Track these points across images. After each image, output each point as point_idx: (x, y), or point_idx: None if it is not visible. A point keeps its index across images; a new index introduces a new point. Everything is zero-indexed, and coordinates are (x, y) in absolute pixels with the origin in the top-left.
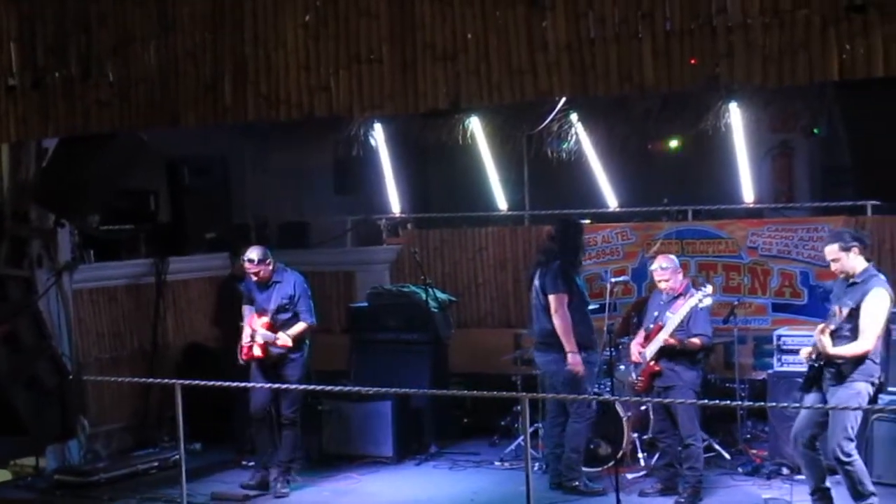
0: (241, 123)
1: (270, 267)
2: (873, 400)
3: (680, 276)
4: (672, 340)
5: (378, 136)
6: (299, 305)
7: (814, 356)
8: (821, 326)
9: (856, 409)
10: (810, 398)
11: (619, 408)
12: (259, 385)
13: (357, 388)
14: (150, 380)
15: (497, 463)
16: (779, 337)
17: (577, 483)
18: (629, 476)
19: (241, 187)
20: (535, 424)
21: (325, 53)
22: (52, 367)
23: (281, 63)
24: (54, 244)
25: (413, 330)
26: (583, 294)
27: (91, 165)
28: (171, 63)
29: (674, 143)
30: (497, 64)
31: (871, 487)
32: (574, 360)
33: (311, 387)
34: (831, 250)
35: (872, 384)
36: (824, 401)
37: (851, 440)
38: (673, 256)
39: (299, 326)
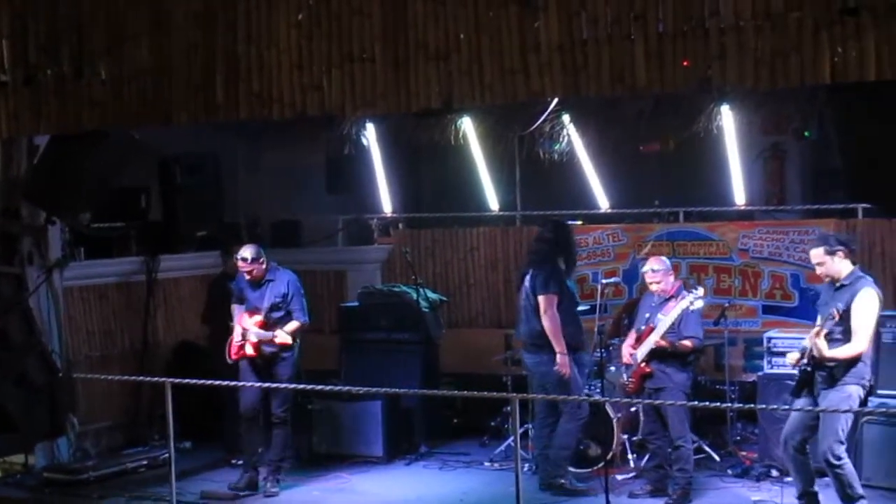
0: (233, 122)
1: (264, 266)
2: (863, 402)
3: (671, 279)
4: (663, 342)
5: (370, 135)
6: (293, 304)
7: (804, 360)
8: (815, 330)
9: (845, 411)
10: (801, 402)
11: (609, 409)
12: (249, 384)
13: (347, 388)
14: (141, 378)
15: (487, 463)
16: (769, 339)
17: (563, 481)
18: (619, 477)
19: (233, 186)
20: (525, 425)
21: (318, 52)
22: (42, 364)
23: (273, 62)
24: (45, 241)
25: (404, 330)
26: (573, 295)
27: (83, 163)
28: (164, 61)
29: (665, 145)
30: (489, 64)
31: (861, 491)
32: (562, 361)
33: (302, 386)
34: (816, 254)
35: (863, 387)
36: (815, 404)
37: (842, 443)
38: (664, 258)
39: (293, 325)
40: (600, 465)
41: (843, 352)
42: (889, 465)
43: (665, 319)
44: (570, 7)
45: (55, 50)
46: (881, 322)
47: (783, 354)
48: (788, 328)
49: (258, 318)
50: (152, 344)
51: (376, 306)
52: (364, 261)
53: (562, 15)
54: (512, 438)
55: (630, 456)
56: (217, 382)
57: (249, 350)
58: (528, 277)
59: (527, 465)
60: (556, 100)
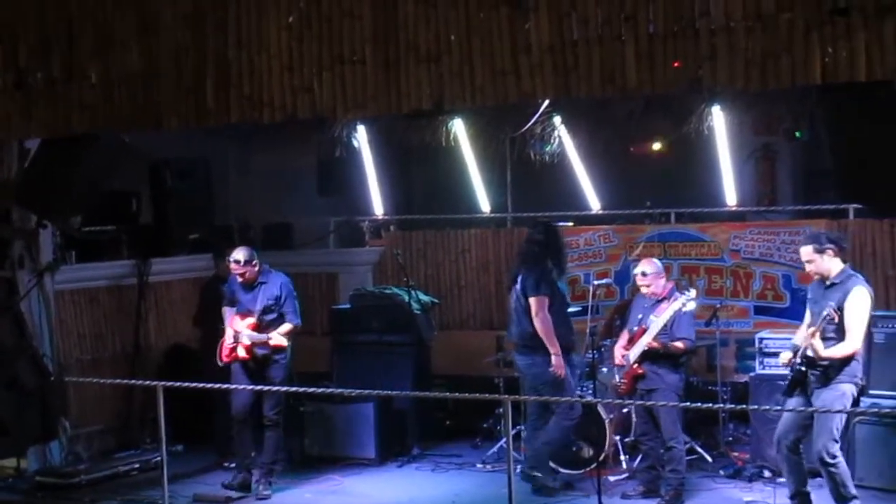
0: (224, 125)
1: (256, 268)
2: (856, 401)
3: (662, 281)
4: (655, 344)
5: (361, 137)
6: (285, 306)
7: (797, 360)
8: (811, 330)
9: (838, 412)
10: (794, 401)
11: (601, 410)
12: (241, 387)
13: (339, 390)
14: (132, 381)
15: (479, 465)
16: (761, 340)
17: (538, 474)
18: (611, 478)
19: (224, 189)
20: (518, 426)
21: (309, 55)
22: (34, 368)
23: (264, 65)
24: (36, 245)
25: (396, 332)
26: (563, 297)
27: (73, 167)
28: (154, 65)
29: (657, 146)
30: (480, 65)
31: (854, 491)
32: (557, 362)
33: (294, 388)
34: (806, 252)
35: (856, 385)
36: (808, 403)
37: (836, 441)
38: (656, 260)
39: (286, 327)
40: (593, 466)
41: (838, 351)
42: (881, 466)
43: (657, 321)
44: (561, 8)
45: (45, 54)
46: (873, 322)
47: (775, 355)
48: (780, 329)
49: (251, 320)
50: (144, 347)
51: (368, 308)
52: (355, 263)
53: (552, 16)
54: (504, 440)
55: (622, 457)
56: (209, 385)
57: (242, 352)
58: (519, 279)
59: (519, 466)
60: (546, 101)
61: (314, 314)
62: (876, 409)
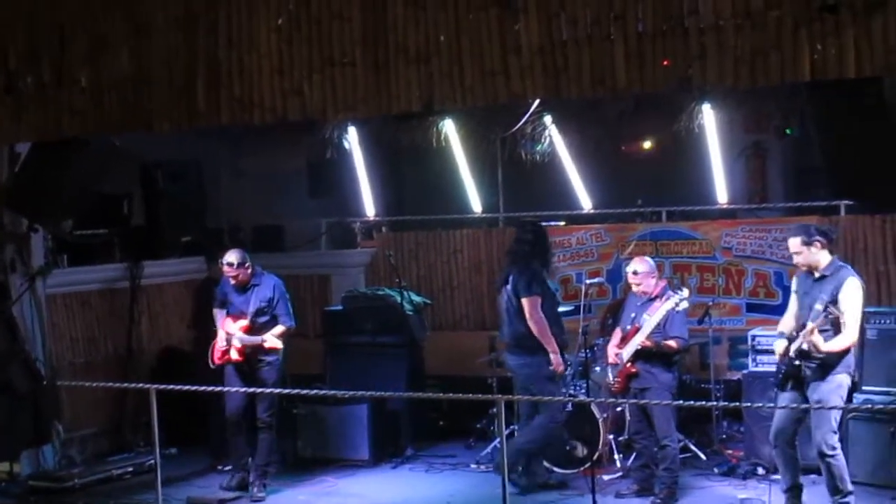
0: (214, 127)
1: (249, 271)
2: (849, 393)
3: (653, 281)
4: (648, 343)
5: (352, 138)
6: (278, 308)
7: (791, 355)
8: (810, 326)
9: (833, 408)
10: (787, 395)
11: (595, 409)
12: (234, 389)
13: (332, 392)
14: (125, 384)
15: (473, 465)
16: (753, 337)
17: (512, 475)
18: (605, 477)
19: (215, 191)
20: (511, 426)
21: (299, 56)
22: (26, 372)
23: (254, 67)
24: (28, 249)
25: (388, 333)
26: (554, 296)
27: (64, 170)
28: (145, 68)
29: (647, 144)
30: (470, 66)
31: (850, 485)
32: (557, 359)
33: (287, 391)
34: (794, 244)
35: (850, 375)
36: (802, 397)
37: (835, 433)
38: (648, 259)
39: (279, 329)
40: (587, 465)
41: (838, 344)
42: (875, 462)
43: (650, 320)
44: (550, 8)
45: (35, 58)
46: (866, 318)
47: (768, 352)
48: (773, 326)
49: (244, 322)
50: (136, 350)
51: (360, 310)
52: (347, 264)
53: (541, 16)
54: (498, 440)
55: (616, 456)
56: (202, 388)
57: (234, 355)
58: (510, 279)
59: (521, 462)
60: (537, 101)
61: (306, 316)
62: (869, 405)
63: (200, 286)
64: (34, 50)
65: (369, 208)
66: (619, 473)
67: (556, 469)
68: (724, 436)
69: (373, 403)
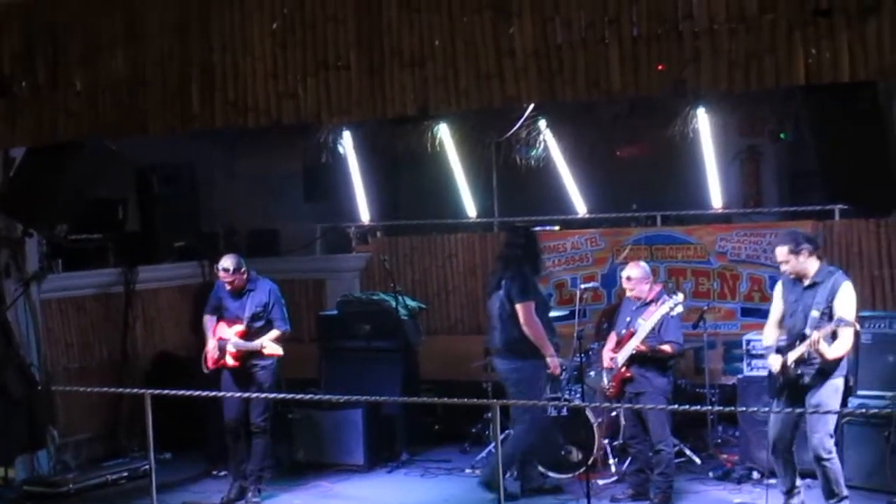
0: (209, 131)
1: (245, 276)
2: (844, 399)
3: (646, 286)
4: (643, 347)
5: (347, 143)
6: (273, 313)
7: (791, 366)
8: (816, 336)
9: (826, 412)
10: (784, 403)
11: (590, 414)
12: (229, 394)
13: (327, 397)
14: (120, 389)
15: (468, 470)
16: (748, 342)
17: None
18: (600, 482)
19: (209, 195)
20: (507, 431)
21: (293, 60)
22: (21, 377)
23: (248, 70)
24: (22, 254)
25: (383, 337)
26: (545, 301)
27: (59, 175)
28: (139, 71)
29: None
30: (465, 70)
31: (846, 491)
32: (553, 363)
33: (282, 396)
34: (781, 252)
35: (845, 377)
36: (798, 403)
37: (832, 436)
38: (643, 264)
39: (274, 333)
40: (582, 469)
41: (840, 349)
42: (870, 466)
43: (645, 324)
44: (544, 12)
45: (30, 61)
46: (860, 322)
47: (763, 357)
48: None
49: (239, 327)
50: (131, 355)
51: (355, 314)
52: (342, 269)
53: (536, 20)
54: (493, 444)
55: (611, 460)
56: (196, 393)
57: (230, 360)
58: (503, 284)
59: (507, 471)
60: (531, 105)
61: (301, 321)
62: (864, 410)
63: (200, 290)
64: (29, 54)
65: (364, 213)
66: (614, 478)
67: (550, 473)
68: (719, 440)
69: (368, 408)
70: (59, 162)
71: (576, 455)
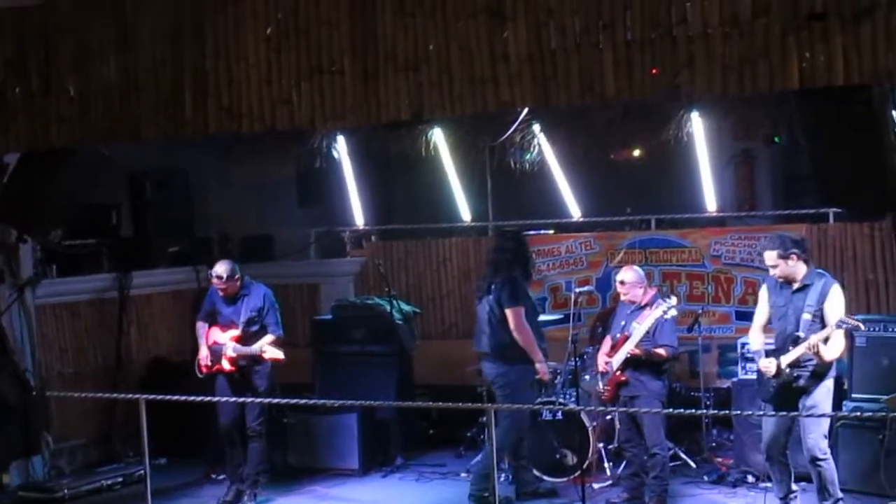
0: (202, 137)
1: (238, 282)
2: (836, 400)
3: (640, 290)
4: (638, 351)
5: (341, 148)
6: (267, 318)
7: (786, 369)
8: (813, 340)
9: (821, 416)
10: (777, 406)
11: (584, 418)
12: (224, 399)
13: (322, 401)
14: (115, 395)
15: (463, 474)
16: (743, 345)
17: (487, 494)
18: (595, 486)
19: (203, 201)
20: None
21: (287, 65)
22: (15, 382)
23: (242, 76)
24: (16, 260)
25: (378, 342)
26: (534, 305)
27: (53, 180)
28: (132, 77)
29: (636, 153)
30: (459, 75)
31: (840, 493)
32: (543, 368)
33: (277, 400)
34: (770, 257)
35: (836, 378)
36: (791, 406)
37: (826, 437)
38: (637, 268)
39: (269, 338)
40: (577, 473)
41: (836, 350)
42: (864, 470)
43: (640, 328)
44: (539, 17)
45: (23, 67)
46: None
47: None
48: (770, 334)
49: (234, 332)
50: (125, 360)
51: (350, 319)
52: (337, 274)
53: (530, 24)
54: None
55: (606, 464)
56: (191, 398)
57: (227, 365)
58: (492, 289)
59: (503, 475)
60: (526, 110)
61: (296, 325)
62: (858, 413)
63: (194, 295)
64: (22, 59)
65: (358, 217)
66: (609, 482)
67: (545, 477)
68: (713, 444)
69: (362, 412)
70: (52, 168)
71: (571, 459)
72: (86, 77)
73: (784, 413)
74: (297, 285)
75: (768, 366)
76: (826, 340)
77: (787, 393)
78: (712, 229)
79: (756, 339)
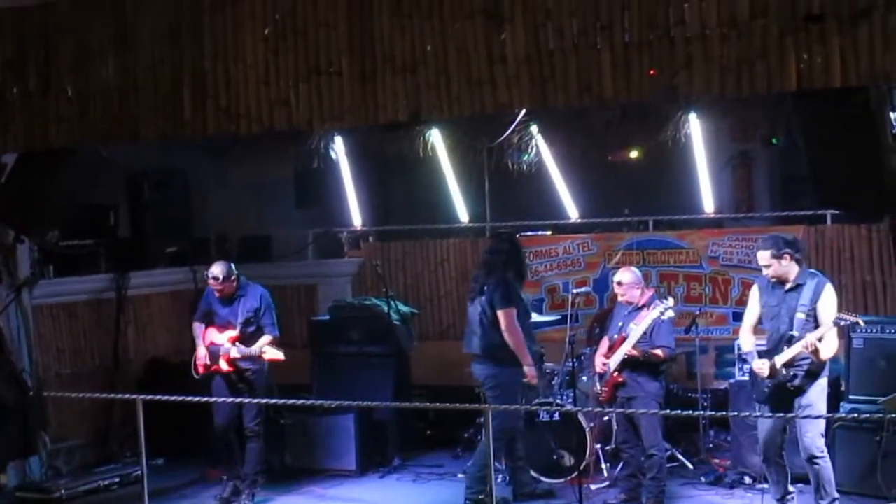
0: (200, 137)
1: (234, 283)
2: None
3: (637, 291)
4: (635, 352)
5: (339, 148)
6: (264, 319)
7: (781, 370)
8: (810, 340)
9: (817, 417)
10: (772, 407)
11: (582, 419)
12: (221, 399)
13: (319, 402)
14: (112, 395)
15: (461, 475)
16: (740, 346)
17: (483, 496)
18: (593, 487)
19: (201, 201)
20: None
21: (285, 66)
22: (12, 383)
23: (240, 77)
24: (14, 260)
25: (375, 343)
26: (527, 308)
27: (50, 181)
28: (131, 77)
29: (634, 153)
30: (456, 76)
31: (836, 493)
32: (531, 372)
33: (274, 401)
34: (763, 257)
35: (827, 377)
36: (786, 406)
37: (823, 435)
38: (635, 269)
39: (266, 339)
40: (574, 474)
41: (832, 349)
42: (861, 471)
43: (637, 329)
44: (536, 18)
45: (22, 67)
46: (851, 327)
47: None
48: (759, 335)
49: (231, 333)
50: (123, 361)
51: (347, 319)
52: (334, 274)
53: (528, 26)
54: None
55: (603, 465)
56: (188, 398)
57: (224, 366)
58: (485, 290)
59: (500, 476)
60: (523, 111)
61: (293, 326)
62: (856, 414)
63: (192, 296)
64: (20, 59)
65: (356, 218)
66: (607, 483)
67: (543, 478)
68: (711, 445)
69: (360, 413)
70: (50, 168)
71: (568, 460)
72: (85, 77)
73: (781, 414)
74: (294, 286)
75: (762, 367)
76: (821, 339)
77: (782, 393)
78: (710, 230)
79: (747, 339)
